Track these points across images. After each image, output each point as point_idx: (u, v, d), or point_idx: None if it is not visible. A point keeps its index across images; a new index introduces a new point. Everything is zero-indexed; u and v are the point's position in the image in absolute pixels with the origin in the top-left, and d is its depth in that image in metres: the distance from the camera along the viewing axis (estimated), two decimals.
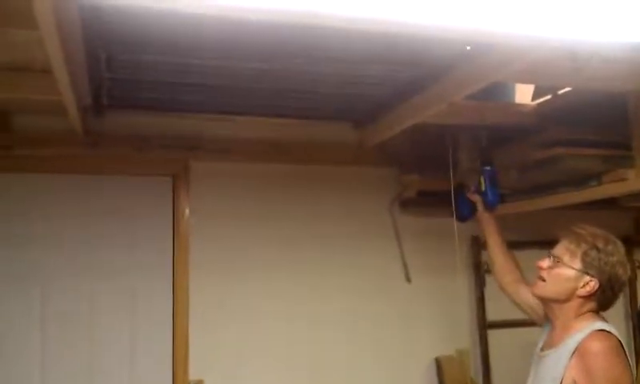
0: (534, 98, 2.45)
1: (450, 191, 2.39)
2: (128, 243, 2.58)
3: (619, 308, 3.09)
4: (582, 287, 1.69)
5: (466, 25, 1.25)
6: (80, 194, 2.56)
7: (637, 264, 3.16)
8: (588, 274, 1.68)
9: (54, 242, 2.52)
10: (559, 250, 1.75)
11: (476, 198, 2.27)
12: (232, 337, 2.62)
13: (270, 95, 2.25)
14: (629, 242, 3.09)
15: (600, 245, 1.69)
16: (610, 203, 2.42)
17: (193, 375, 2.55)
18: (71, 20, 1.44)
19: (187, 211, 2.62)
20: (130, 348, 2.55)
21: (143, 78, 2.05)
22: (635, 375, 2.89)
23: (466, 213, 2.33)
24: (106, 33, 1.63)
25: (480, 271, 2.91)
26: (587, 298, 1.70)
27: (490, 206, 2.23)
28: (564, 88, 2.14)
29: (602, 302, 1.72)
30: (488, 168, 2.24)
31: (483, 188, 2.21)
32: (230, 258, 2.65)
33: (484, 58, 1.72)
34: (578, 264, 1.70)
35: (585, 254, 1.69)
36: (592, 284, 1.68)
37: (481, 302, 2.92)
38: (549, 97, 2.31)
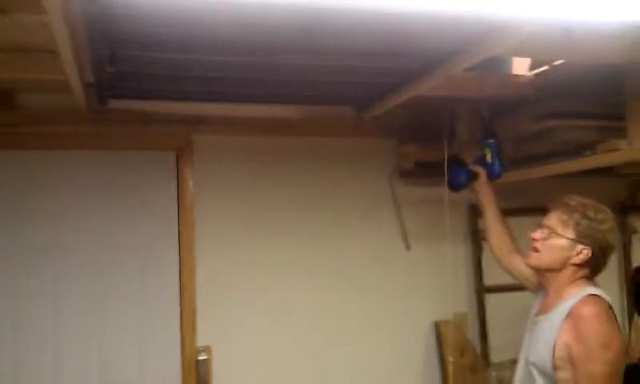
0: (530, 70, 2.48)
1: (447, 163, 2.43)
2: (135, 216, 2.64)
3: (613, 273, 3.18)
4: (575, 255, 1.77)
5: (464, 3, 1.29)
6: (86, 169, 2.60)
7: (631, 230, 3.24)
8: (581, 242, 1.76)
9: (63, 216, 2.57)
10: (551, 220, 1.82)
11: (478, 169, 2.32)
12: (238, 305, 2.70)
13: (271, 85, 2.28)
14: (623, 209, 3.18)
15: (591, 214, 1.76)
16: (604, 171, 2.47)
17: (201, 342, 2.64)
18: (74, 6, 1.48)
19: (191, 184, 2.68)
20: (139, 317, 2.63)
21: (145, 71, 2.09)
22: (628, 338, 3.01)
23: (462, 182, 2.38)
24: (109, 31, 1.66)
25: (477, 238, 2.99)
26: (580, 265, 1.78)
27: (494, 177, 2.28)
28: (559, 61, 2.17)
29: (593, 268, 1.79)
30: (493, 140, 2.28)
31: (490, 159, 2.25)
32: (234, 227, 2.72)
33: (481, 34, 1.76)
34: (570, 233, 1.77)
35: (577, 224, 1.76)
36: (585, 252, 1.76)
37: (478, 267, 3.01)
38: (545, 68, 2.35)
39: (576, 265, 1.78)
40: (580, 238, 1.76)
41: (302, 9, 1.31)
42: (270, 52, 1.89)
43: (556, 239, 1.79)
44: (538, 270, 1.89)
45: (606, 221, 1.77)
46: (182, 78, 2.16)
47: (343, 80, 2.24)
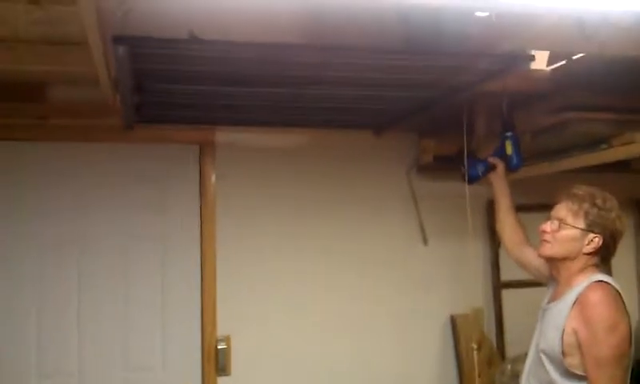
0: (548, 64, 2.50)
1: (461, 156, 2.45)
2: (158, 208, 2.72)
3: (631, 268, 3.17)
4: (587, 245, 1.79)
5: None
6: (111, 161, 2.69)
7: None
8: (592, 231, 1.78)
9: (88, 207, 2.66)
10: (562, 211, 1.84)
11: (496, 161, 2.33)
12: (257, 296, 2.77)
13: (294, 112, 2.36)
14: None
15: (600, 202, 1.78)
16: (620, 166, 2.48)
17: (220, 331, 2.71)
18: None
19: (213, 177, 2.75)
20: (161, 306, 2.70)
21: (172, 101, 2.17)
22: None
23: (478, 174, 2.39)
24: (135, 68, 1.73)
25: (495, 234, 2.99)
26: (592, 254, 1.80)
27: (513, 169, 2.30)
28: (576, 54, 2.19)
29: (604, 255, 1.81)
30: (512, 133, 2.30)
31: (510, 151, 2.27)
32: (255, 220, 2.79)
33: (496, 27, 1.79)
34: (581, 223, 1.79)
35: (587, 213, 1.78)
36: (597, 240, 1.78)
37: (495, 263, 3.03)
38: (563, 62, 2.36)
39: (588, 254, 1.80)
40: (591, 227, 1.78)
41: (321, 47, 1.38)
42: (295, 83, 1.97)
43: (567, 230, 1.81)
44: (551, 261, 1.92)
45: (613, 208, 1.80)
46: (208, 106, 2.24)
47: (361, 107, 2.32)
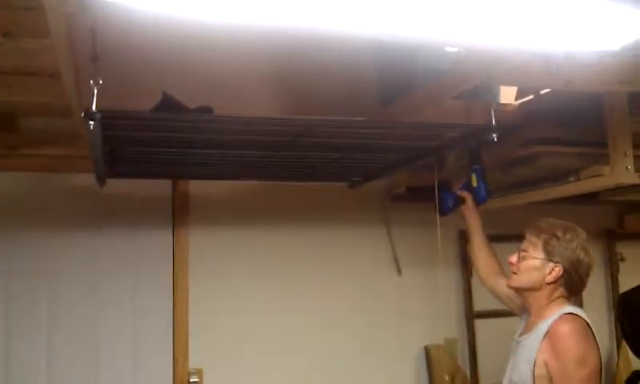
0: (517, 98, 2.57)
1: (434, 187, 2.49)
2: (130, 239, 2.69)
3: (602, 299, 3.22)
4: (548, 274, 1.82)
5: (451, 36, 1.38)
6: (83, 192, 2.64)
7: (619, 257, 3.28)
8: (552, 260, 1.81)
9: (59, 238, 2.62)
10: (525, 244, 1.89)
11: (465, 194, 2.38)
12: (230, 328, 2.74)
13: (266, 170, 2.40)
14: (612, 236, 3.23)
15: (559, 233, 1.82)
16: (590, 198, 2.54)
17: (192, 364, 2.66)
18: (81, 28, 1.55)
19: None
20: (132, 338, 2.66)
21: (144, 160, 2.18)
22: (616, 364, 3.03)
23: (449, 207, 2.43)
24: (107, 134, 1.73)
25: (467, 264, 3.03)
26: (555, 283, 1.83)
27: (480, 202, 2.34)
28: (543, 90, 2.26)
29: (569, 286, 1.84)
30: (478, 166, 2.35)
31: (475, 184, 2.31)
32: (228, 252, 2.77)
33: (467, 64, 1.85)
34: (541, 253, 1.83)
35: (545, 243, 1.82)
36: (557, 269, 1.81)
37: (468, 293, 3.05)
38: (531, 97, 2.43)
39: (551, 283, 1.83)
40: (550, 256, 1.82)
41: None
42: (266, 148, 2.01)
43: (529, 261, 1.86)
44: (519, 291, 1.95)
45: (574, 239, 1.82)
46: (179, 163, 2.26)
47: (335, 166, 2.36)
